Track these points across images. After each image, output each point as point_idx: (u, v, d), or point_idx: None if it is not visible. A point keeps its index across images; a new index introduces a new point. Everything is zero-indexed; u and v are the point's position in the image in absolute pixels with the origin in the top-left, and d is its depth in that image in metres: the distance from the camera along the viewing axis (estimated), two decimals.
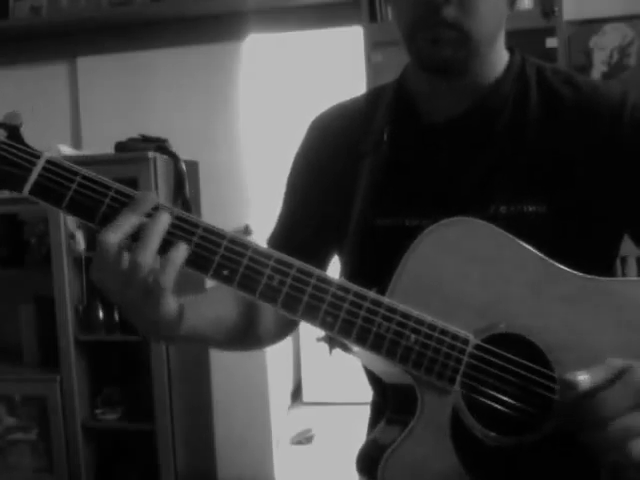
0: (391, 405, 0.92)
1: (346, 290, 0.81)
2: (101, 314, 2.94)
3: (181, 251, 0.77)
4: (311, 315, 0.80)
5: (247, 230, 3.17)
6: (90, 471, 3.02)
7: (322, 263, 1.05)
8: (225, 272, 0.79)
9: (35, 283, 3.06)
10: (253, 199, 3.25)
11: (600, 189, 0.92)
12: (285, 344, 4.39)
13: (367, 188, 1.00)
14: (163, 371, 2.82)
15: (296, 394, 4.67)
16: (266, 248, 0.81)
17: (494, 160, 0.95)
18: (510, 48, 1.01)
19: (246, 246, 0.79)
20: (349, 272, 1.03)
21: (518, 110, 0.96)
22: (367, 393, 1.09)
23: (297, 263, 0.80)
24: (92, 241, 2.89)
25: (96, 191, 0.78)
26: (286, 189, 1.10)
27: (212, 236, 0.79)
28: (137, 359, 2.97)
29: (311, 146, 1.09)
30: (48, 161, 0.78)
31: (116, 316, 2.94)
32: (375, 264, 0.88)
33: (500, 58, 0.99)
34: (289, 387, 4.56)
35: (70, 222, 2.86)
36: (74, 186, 0.77)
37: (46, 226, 2.92)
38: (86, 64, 3.31)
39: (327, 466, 3.53)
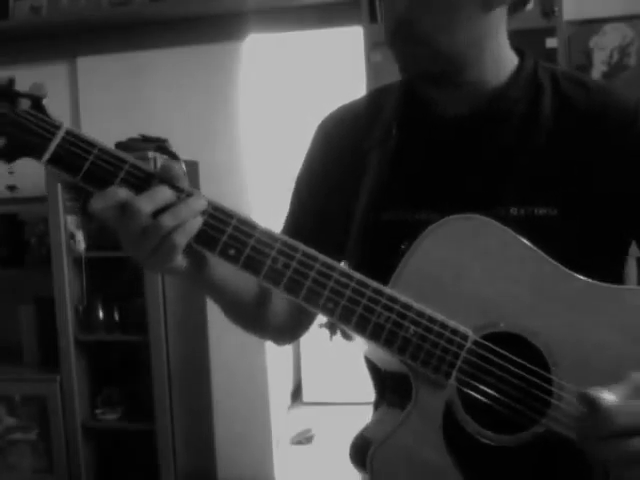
0: (388, 395, 0.92)
1: (349, 277, 0.82)
2: (101, 314, 2.94)
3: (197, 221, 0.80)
4: (312, 300, 0.82)
5: None
6: (90, 471, 3.02)
7: None
8: (231, 251, 0.81)
9: (35, 283, 3.07)
10: (253, 199, 3.25)
11: (611, 194, 0.92)
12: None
13: (374, 181, 1.00)
14: (163, 371, 2.82)
15: (296, 394, 4.67)
16: (274, 231, 0.82)
17: (504, 160, 0.95)
18: (520, 50, 1.00)
19: (254, 227, 0.81)
20: (355, 266, 1.03)
21: (531, 113, 0.95)
22: (367, 393, 1.09)
23: (302, 247, 0.82)
24: (92, 241, 2.89)
25: (112, 164, 0.80)
26: (293, 190, 1.11)
27: (221, 215, 0.81)
28: (137, 359, 2.97)
29: (318, 148, 1.09)
30: (67, 132, 0.80)
31: (116, 316, 2.95)
32: (382, 258, 0.88)
33: (502, 60, 0.97)
34: (289, 387, 4.56)
35: (70, 222, 2.86)
36: (91, 157, 0.79)
37: (46, 226, 2.92)
38: (86, 64, 3.31)
39: (327, 466, 3.53)
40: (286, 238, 0.82)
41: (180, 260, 0.81)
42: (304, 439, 3.96)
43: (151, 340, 2.81)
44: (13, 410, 3.01)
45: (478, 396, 0.83)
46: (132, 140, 2.90)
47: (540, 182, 0.92)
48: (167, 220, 0.77)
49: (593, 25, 2.71)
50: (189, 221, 0.78)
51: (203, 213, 0.80)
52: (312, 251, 0.82)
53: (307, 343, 4.54)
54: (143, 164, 0.80)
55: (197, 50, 3.19)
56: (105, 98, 3.28)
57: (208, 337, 3.25)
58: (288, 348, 4.49)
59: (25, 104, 0.80)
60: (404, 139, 1.00)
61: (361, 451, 0.88)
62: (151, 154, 2.75)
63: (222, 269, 0.87)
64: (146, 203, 0.77)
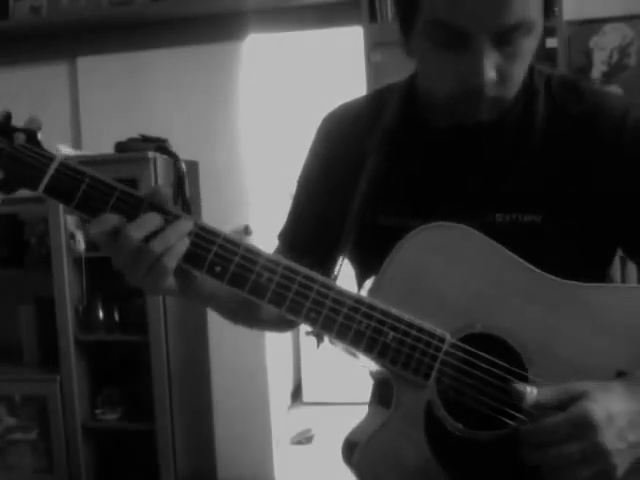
0: (377, 393, 0.95)
1: (329, 288, 0.85)
2: (101, 314, 2.94)
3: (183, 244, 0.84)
4: (295, 310, 0.85)
5: (247, 230, 3.17)
6: (90, 471, 3.02)
7: (329, 261, 1.04)
8: (217, 269, 0.85)
9: (35, 283, 3.07)
10: (253, 199, 3.25)
11: (596, 203, 0.92)
12: (285, 344, 4.39)
13: (371, 185, 1.00)
14: (163, 371, 2.82)
15: (296, 394, 4.67)
16: (257, 247, 0.86)
17: (498, 167, 0.95)
18: None
19: (238, 244, 0.85)
20: (355, 268, 1.05)
21: (524, 120, 0.95)
22: (367, 393, 1.09)
23: (284, 261, 0.86)
24: (92, 241, 2.89)
25: (103, 191, 0.85)
26: (296, 187, 1.12)
27: (207, 234, 0.85)
28: (137, 359, 2.97)
29: (319, 149, 1.09)
30: (60, 163, 0.85)
31: (116, 316, 2.95)
32: (379, 262, 0.89)
33: None
34: (289, 387, 4.56)
35: (70, 222, 2.86)
36: (83, 186, 0.85)
37: (46, 226, 2.92)
38: (86, 64, 3.31)
39: (327, 466, 3.53)
40: (269, 254, 0.86)
41: (171, 280, 0.85)
42: (304, 439, 3.96)
43: (151, 340, 2.81)
44: (13, 410, 3.01)
45: (457, 395, 0.85)
46: (132, 140, 2.90)
47: (526, 189, 0.93)
48: (156, 245, 0.82)
49: (593, 25, 2.71)
50: (177, 244, 0.83)
51: (190, 234, 0.84)
52: (294, 265, 0.86)
53: (307, 343, 4.54)
54: (132, 190, 0.85)
55: (197, 50, 3.19)
56: (105, 98, 3.28)
57: (208, 337, 3.25)
58: (288, 348, 4.49)
59: (21, 138, 0.85)
60: (401, 145, 1.00)
61: (349, 451, 0.90)
62: (151, 154, 2.75)
63: (212, 280, 0.90)
64: (136, 230, 0.82)
